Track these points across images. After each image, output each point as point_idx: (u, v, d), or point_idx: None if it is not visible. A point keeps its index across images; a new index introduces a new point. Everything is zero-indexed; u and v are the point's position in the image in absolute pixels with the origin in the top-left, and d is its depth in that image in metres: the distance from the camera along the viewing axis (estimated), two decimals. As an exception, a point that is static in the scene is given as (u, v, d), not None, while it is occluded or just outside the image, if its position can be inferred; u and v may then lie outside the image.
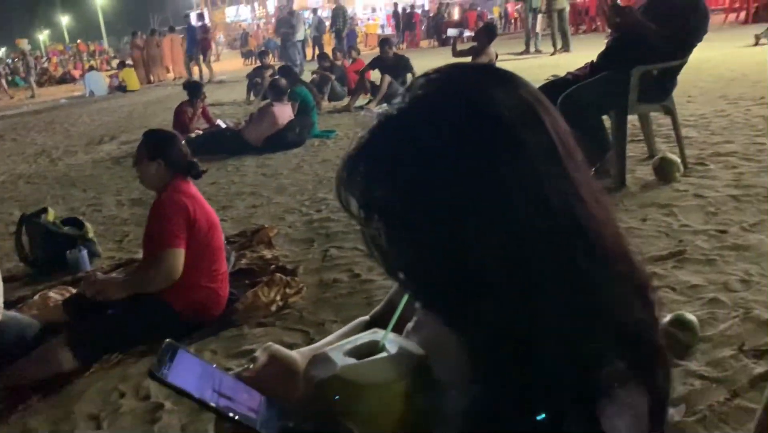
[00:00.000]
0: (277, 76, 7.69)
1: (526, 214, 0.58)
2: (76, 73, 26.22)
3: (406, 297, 0.78)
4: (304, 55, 17.35)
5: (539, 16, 14.86)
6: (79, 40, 40.66)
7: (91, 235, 3.94)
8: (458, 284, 0.60)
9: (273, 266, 3.32)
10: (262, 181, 5.47)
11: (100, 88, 17.84)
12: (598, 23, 18.34)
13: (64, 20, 54.63)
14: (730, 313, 2.33)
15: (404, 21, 24.61)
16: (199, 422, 2.07)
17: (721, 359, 2.06)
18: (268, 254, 3.55)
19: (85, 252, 3.66)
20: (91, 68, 22.85)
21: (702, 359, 2.08)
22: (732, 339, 2.16)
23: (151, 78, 20.36)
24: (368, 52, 17.53)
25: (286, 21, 15.98)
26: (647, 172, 4.14)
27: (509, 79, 0.65)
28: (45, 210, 3.95)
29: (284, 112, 6.80)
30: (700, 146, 4.69)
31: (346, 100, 9.41)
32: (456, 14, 26.51)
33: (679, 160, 4.05)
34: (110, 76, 19.25)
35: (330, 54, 11.43)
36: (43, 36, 52.44)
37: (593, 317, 0.59)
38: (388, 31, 27.83)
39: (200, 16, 19.39)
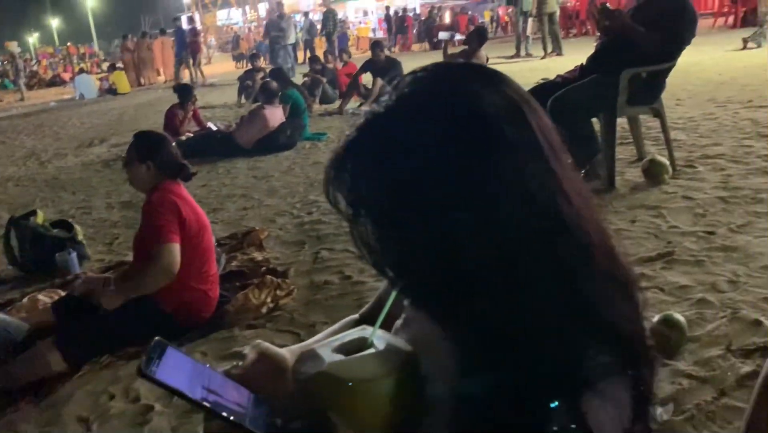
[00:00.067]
0: (268, 79, 7.68)
1: (511, 210, 0.59)
2: (66, 76, 26.07)
3: (394, 294, 0.78)
4: (296, 58, 17.33)
5: (530, 20, 14.92)
6: (69, 43, 40.41)
7: (80, 237, 3.93)
8: (444, 279, 0.61)
9: (264, 268, 3.32)
10: (253, 183, 5.46)
11: (90, 91, 17.74)
12: (589, 27, 18.42)
13: (54, 23, 54.37)
14: (717, 313, 2.35)
15: (397, 24, 24.65)
16: (189, 423, 2.06)
17: (708, 359, 2.08)
18: (258, 256, 3.55)
19: (74, 255, 3.64)
20: (82, 71, 22.69)
21: (690, 358, 2.10)
22: (720, 339, 2.18)
23: (142, 81, 20.28)
24: (360, 55, 17.55)
25: (276, 24, 15.94)
26: (636, 174, 4.17)
27: (495, 77, 0.66)
28: (34, 213, 3.93)
29: (275, 115, 6.80)
30: (689, 149, 4.73)
31: (337, 103, 9.41)
32: (447, 18, 26.51)
33: (667, 162, 4.08)
34: (100, 79, 19.17)
35: (321, 57, 11.44)
36: (32, 38, 52.15)
37: (576, 311, 0.59)
38: (380, 34, 27.85)
39: (190, 20, 19.33)
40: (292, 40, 16.23)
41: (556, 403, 0.56)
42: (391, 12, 25.68)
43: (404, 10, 26.42)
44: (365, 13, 37.11)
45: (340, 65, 10.83)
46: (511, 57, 14.18)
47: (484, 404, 0.59)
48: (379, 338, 0.74)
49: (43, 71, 30.20)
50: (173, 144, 2.88)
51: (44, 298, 3.07)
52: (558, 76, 4.25)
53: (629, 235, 3.19)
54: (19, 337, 2.65)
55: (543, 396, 0.57)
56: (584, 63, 4.14)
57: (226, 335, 2.71)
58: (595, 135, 4.07)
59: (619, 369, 0.60)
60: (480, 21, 24.51)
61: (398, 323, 0.80)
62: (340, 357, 0.72)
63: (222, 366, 0.84)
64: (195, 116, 7.82)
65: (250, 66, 11.99)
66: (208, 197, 5.06)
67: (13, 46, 24.22)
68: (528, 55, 14.26)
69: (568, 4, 20.32)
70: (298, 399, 0.74)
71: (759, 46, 10.55)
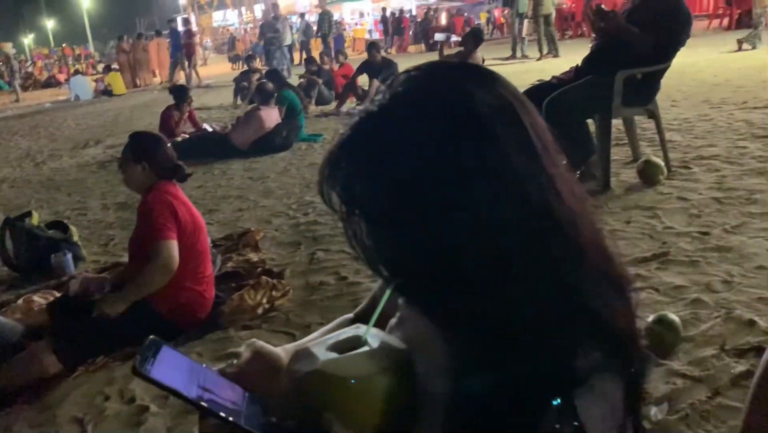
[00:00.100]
0: (264, 80, 7.68)
1: (504, 207, 0.59)
2: (62, 77, 25.97)
3: (388, 293, 0.79)
4: (292, 60, 17.32)
5: (526, 21, 14.96)
6: (64, 44, 40.41)
7: (75, 238, 3.92)
8: (437, 276, 0.61)
9: (259, 269, 3.32)
10: (248, 184, 5.46)
11: (85, 93, 17.68)
12: (584, 29, 18.47)
13: (50, 24, 54.23)
14: (712, 313, 2.36)
15: (393, 26, 24.67)
16: (185, 424, 2.06)
17: (703, 359, 2.08)
18: (254, 257, 3.55)
19: (69, 256, 3.63)
20: (77, 72, 22.63)
21: (684, 358, 2.10)
22: (714, 339, 2.19)
23: (138, 82, 20.22)
24: (356, 56, 17.55)
25: (271, 25, 15.92)
26: (631, 175, 4.18)
27: (488, 76, 0.66)
28: (29, 214, 3.92)
29: (271, 116, 6.79)
30: (684, 150, 4.74)
31: (333, 104, 9.42)
32: (443, 19, 26.53)
33: (662, 163, 4.09)
34: (96, 80, 19.11)
35: (317, 58, 11.43)
36: (28, 40, 51.96)
37: (568, 307, 0.60)
38: (376, 36, 27.86)
39: (185, 21, 19.30)
40: (288, 41, 16.24)
41: (558, 401, 0.56)
42: (388, 13, 25.70)
43: (401, 11, 26.43)
44: (361, 15, 37.11)
45: (336, 66, 10.83)
46: (507, 58, 14.21)
47: (483, 403, 0.59)
48: (373, 336, 0.75)
49: (39, 72, 30.07)
50: (169, 145, 2.87)
51: (39, 299, 3.06)
52: (553, 77, 4.26)
53: (624, 235, 3.20)
54: (13, 338, 2.64)
55: (543, 394, 0.57)
56: (579, 64, 4.15)
57: (221, 335, 2.70)
58: (591, 136, 4.08)
59: (611, 366, 0.60)
60: (476, 22, 24.57)
61: (392, 321, 0.80)
62: (334, 355, 0.72)
63: (217, 366, 0.84)
64: (191, 117, 7.81)
65: (246, 67, 12.00)
66: (203, 198, 5.05)
67: (8, 48, 24.13)
68: (524, 56, 14.30)
69: (564, 6, 20.37)
70: (293, 397, 0.74)
71: (754, 47, 10.60)
